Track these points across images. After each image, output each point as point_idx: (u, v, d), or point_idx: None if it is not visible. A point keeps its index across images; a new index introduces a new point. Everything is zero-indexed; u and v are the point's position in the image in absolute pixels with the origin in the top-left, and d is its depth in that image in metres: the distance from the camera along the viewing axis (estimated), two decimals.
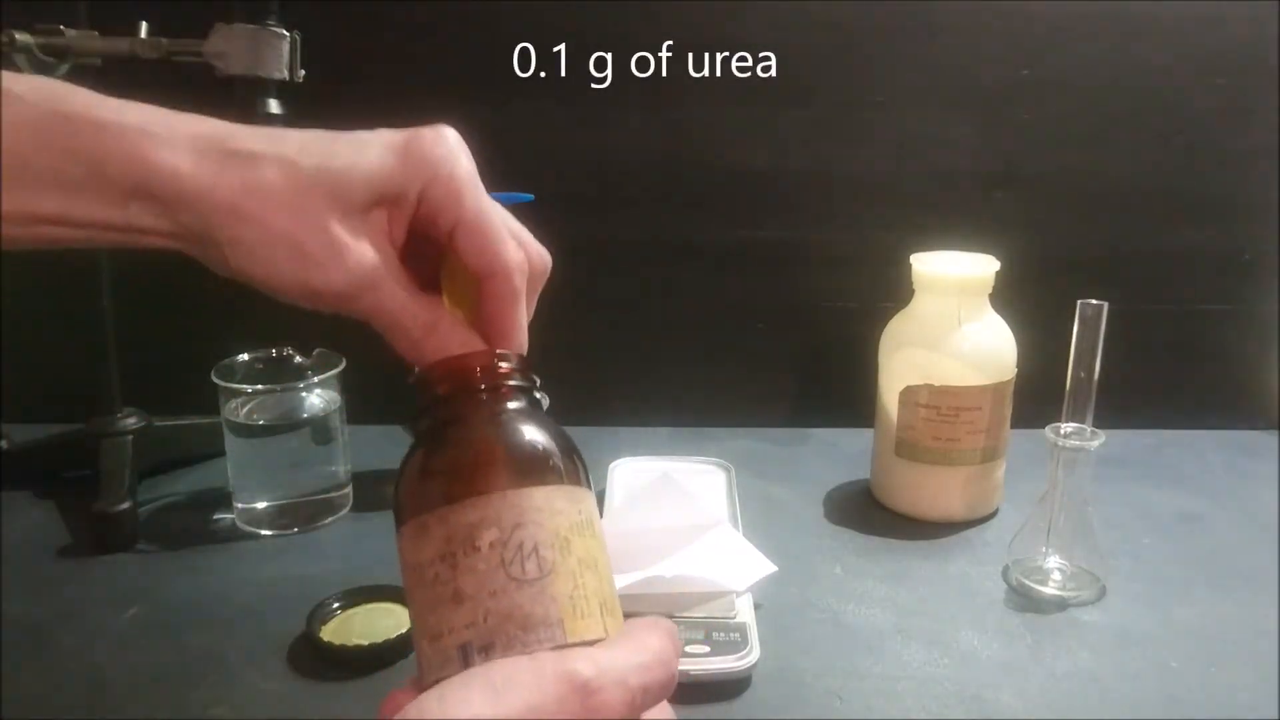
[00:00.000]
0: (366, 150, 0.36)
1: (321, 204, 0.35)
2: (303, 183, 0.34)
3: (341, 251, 0.35)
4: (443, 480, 0.34)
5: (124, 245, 0.35)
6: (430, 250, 0.38)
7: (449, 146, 0.38)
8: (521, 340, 0.41)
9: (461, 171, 0.38)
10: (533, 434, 0.36)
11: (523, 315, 0.41)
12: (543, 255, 0.41)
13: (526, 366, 0.38)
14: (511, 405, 0.37)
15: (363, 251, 0.35)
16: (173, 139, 0.35)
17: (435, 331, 0.37)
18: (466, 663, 0.31)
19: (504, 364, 0.37)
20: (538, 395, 0.39)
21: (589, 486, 0.36)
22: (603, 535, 0.35)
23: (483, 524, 0.33)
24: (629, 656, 0.30)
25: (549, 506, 0.34)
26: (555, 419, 0.38)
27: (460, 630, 0.32)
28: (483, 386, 0.37)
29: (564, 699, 0.28)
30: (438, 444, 0.36)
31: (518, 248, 0.39)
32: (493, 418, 0.36)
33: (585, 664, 0.29)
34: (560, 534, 0.33)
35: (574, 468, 0.36)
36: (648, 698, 0.30)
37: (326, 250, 0.34)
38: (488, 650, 0.31)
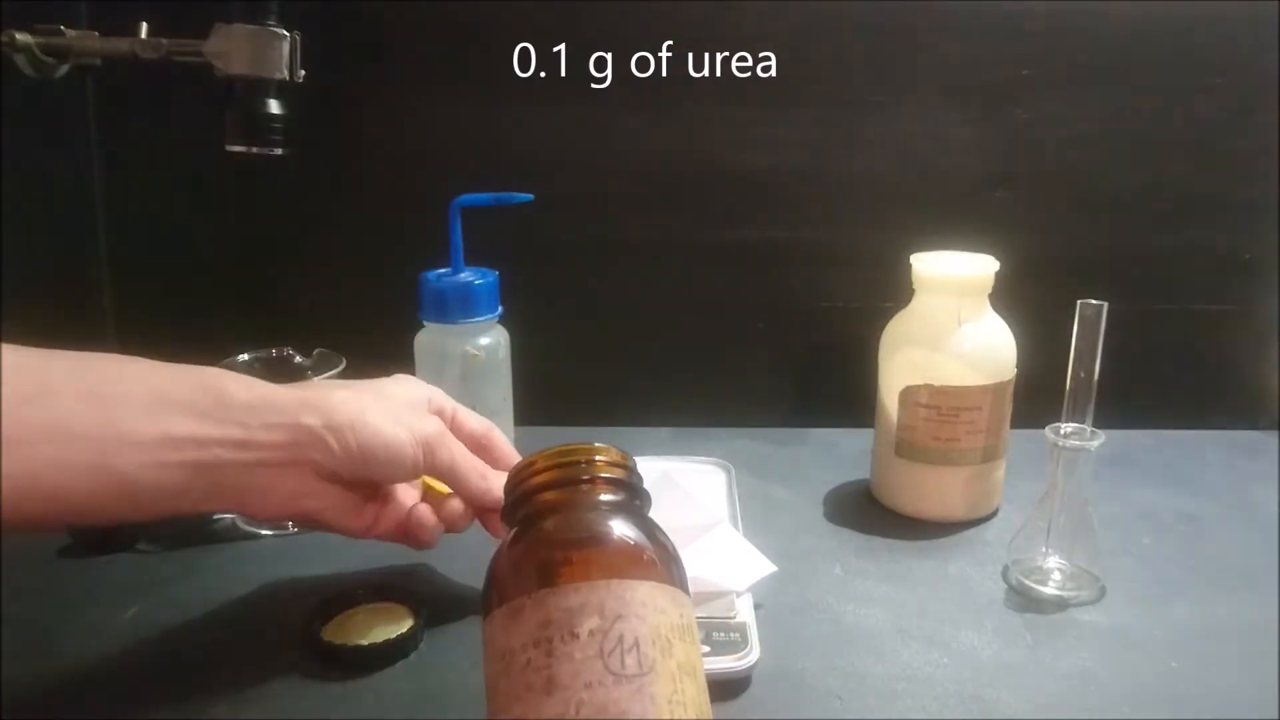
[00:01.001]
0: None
1: (404, 401, 0.50)
2: (385, 390, 0.50)
3: (426, 416, 0.50)
4: (543, 564, 0.33)
5: (223, 474, 0.42)
6: None
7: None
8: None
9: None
10: (638, 528, 0.35)
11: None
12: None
13: (628, 465, 0.38)
14: (614, 498, 0.36)
15: (435, 420, 0.50)
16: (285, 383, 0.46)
17: (489, 473, 0.52)
18: None
19: (606, 458, 0.37)
20: (639, 496, 0.39)
21: (688, 593, 0.35)
22: (699, 645, 0.34)
23: (584, 610, 0.31)
24: None
25: (652, 603, 0.32)
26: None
27: None
28: (585, 478, 0.37)
29: None
30: (539, 530, 0.35)
31: None
32: (595, 508, 0.36)
33: None
34: (662, 633, 0.32)
35: (676, 570, 0.35)
36: None
37: (419, 417, 0.49)
38: None
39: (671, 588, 0.34)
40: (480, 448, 0.53)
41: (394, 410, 0.48)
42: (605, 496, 0.36)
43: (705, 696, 0.33)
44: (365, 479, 0.48)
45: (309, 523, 0.48)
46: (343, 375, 0.65)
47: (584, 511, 0.35)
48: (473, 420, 0.54)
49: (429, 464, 0.48)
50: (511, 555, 0.35)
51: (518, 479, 0.38)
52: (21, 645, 0.51)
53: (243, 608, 0.56)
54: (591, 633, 0.31)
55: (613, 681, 0.30)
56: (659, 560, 0.34)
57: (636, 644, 0.31)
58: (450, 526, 0.52)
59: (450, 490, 0.51)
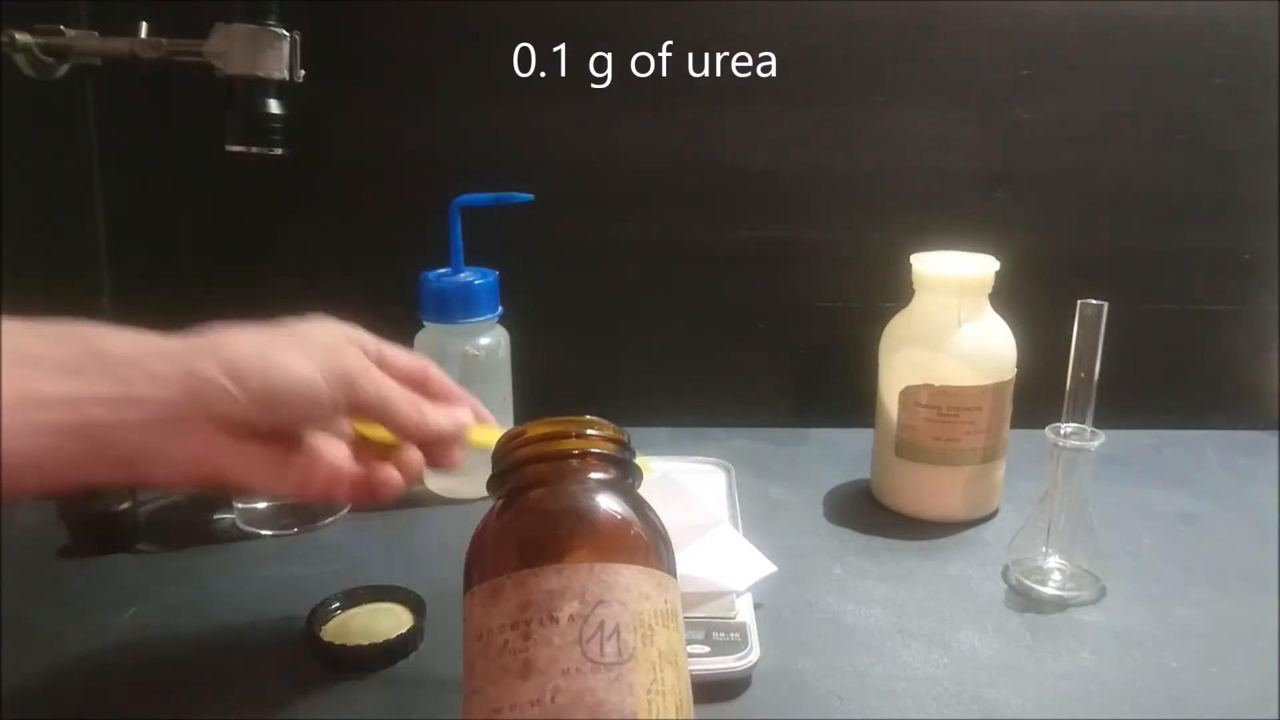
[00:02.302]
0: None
1: (320, 341, 0.43)
2: (299, 330, 0.43)
3: (346, 350, 0.43)
4: (526, 544, 0.32)
5: (105, 436, 0.37)
6: None
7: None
8: (473, 402, 0.49)
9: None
10: (626, 510, 0.34)
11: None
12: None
13: (622, 440, 0.37)
14: (604, 476, 0.35)
15: (356, 353, 0.43)
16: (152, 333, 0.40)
17: (424, 403, 0.45)
18: None
19: (598, 432, 0.36)
20: (630, 473, 0.37)
21: (675, 574, 0.34)
22: (683, 631, 0.33)
23: (564, 594, 0.30)
24: None
25: (636, 588, 0.31)
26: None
27: (524, 707, 0.29)
28: (575, 452, 0.35)
29: None
30: (524, 506, 0.34)
31: None
32: (584, 486, 0.34)
33: None
34: (644, 619, 0.31)
35: (664, 553, 0.34)
36: None
37: (336, 353, 0.42)
38: None
39: (658, 571, 0.33)
40: (415, 385, 0.47)
41: (306, 347, 0.41)
42: (595, 474, 0.35)
43: (686, 683, 0.32)
44: (279, 427, 0.41)
45: (227, 487, 0.42)
46: None
47: (571, 489, 0.34)
48: (404, 357, 0.48)
49: (351, 400, 0.42)
50: (494, 529, 0.34)
51: (505, 448, 0.36)
52: (21, 645, 0.51)
53: (242, 608, 0.56)
54: (571, 618, 0.30)
55: (590, 669, 0.29)
56: (646, 542, 0.33)
57: (617, 631, 0.30)
58: (411, 478, 0.47)
59: (386, 434, 0.45)
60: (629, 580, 0.31)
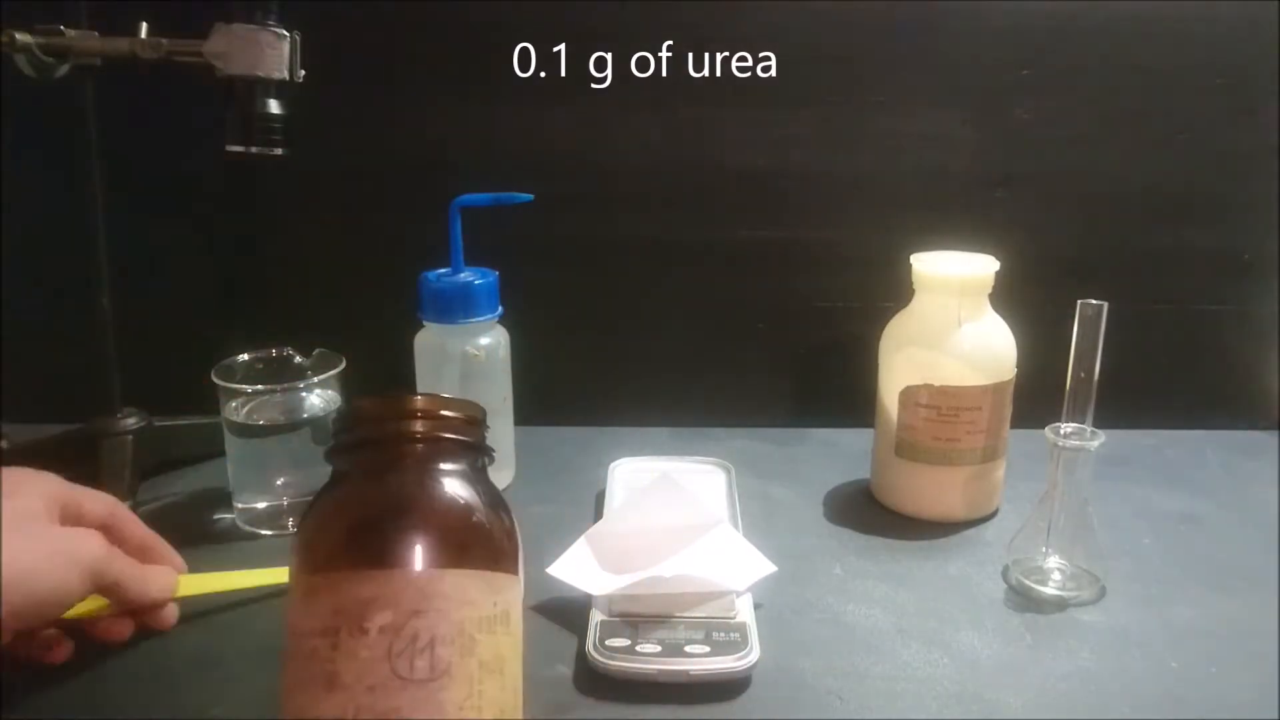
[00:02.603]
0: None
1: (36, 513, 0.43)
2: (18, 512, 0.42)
3: (82, 535, 0.44)
4: (344, 540, 0.30)
5: None
6: None
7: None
8: (171, 553, 0.52)
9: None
10: (461, 504, 0.31)
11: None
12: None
13: (473, 421, 0.33)
14: (446, 465, 0.31)
15: (95, 537, 0.45)
16: None
17: (145, 571, 0.48)
18: None
19: (448, 412, 0.32)
20: (482, 456, 0.33)
21: (516, 570, 0.31)
22: (519, 631, 0.31)
23: (376, 603, 0.28)
24: None
25: (458, 595, 0.29)
26: (494, 482, 0.33)
27: None
28: (419, 433, 0.31)
29: None
30: (350, 495, 0.31)
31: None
32: (420, 476, 0.31)
33: None
34: (465, 629, 0.28)
35: (501, 548, 0.31)
36: None
37: (71, 537, 0.44)
38: None
39: (489, 573, 0.30)
40: (106, 529, 0.48)
41: (50, 543, 0.42)
42: (433, 463, 0.31)
43: (514, 689, 0.30)
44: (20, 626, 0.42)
45: None
46: (343, 373, 0.66)
47: (404, 482, 0.31)
48: (95, 504, 0.48)
49: (92, 590, 0.44)
50: (315, 520, 0.31)
51: (343, 422, 0.32)
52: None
53: (242, 607, 0.56)
54: (382, 629, 0.28)
55: (398, 686, 0.27)
56: (480, 541, 0.30)
57: (431, 645, 0.28)
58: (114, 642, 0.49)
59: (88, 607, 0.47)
60: (450, 587, 0.29)
